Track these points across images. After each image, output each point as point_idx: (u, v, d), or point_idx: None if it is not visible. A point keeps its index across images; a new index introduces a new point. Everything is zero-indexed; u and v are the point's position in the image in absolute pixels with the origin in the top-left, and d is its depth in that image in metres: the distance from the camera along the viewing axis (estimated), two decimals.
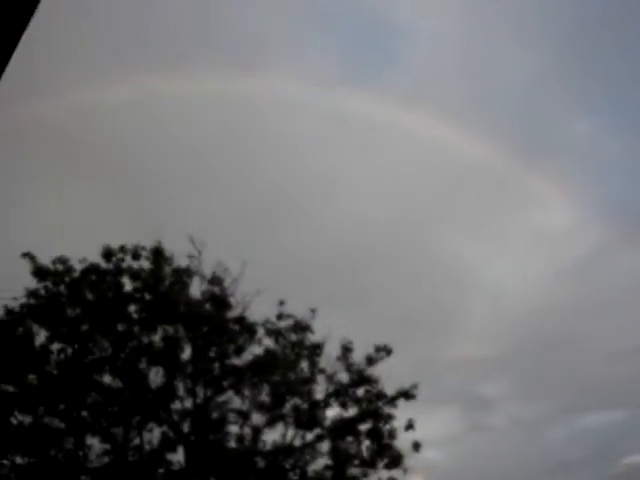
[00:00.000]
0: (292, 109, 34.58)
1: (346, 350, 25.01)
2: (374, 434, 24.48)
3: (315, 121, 36.34)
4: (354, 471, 24.77)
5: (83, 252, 23.41)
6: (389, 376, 25.14)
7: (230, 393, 23.72)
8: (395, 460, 24.66)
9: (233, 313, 23.44)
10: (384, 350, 25.23)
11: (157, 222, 23.18)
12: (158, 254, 23.04)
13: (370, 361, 25.07)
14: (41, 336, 23.10)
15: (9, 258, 22.91)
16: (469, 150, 36.01)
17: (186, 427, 23.42)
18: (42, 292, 22.96)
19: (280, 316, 24.78)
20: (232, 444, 23.76)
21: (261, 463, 23.80)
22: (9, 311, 23.00)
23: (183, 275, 23.18)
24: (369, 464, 24.61)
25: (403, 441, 24.95)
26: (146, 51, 34.51)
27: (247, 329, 23.25)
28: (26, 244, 23.20)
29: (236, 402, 23.85)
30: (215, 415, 23.49)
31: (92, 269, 23.02)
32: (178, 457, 23.37)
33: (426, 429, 26.70)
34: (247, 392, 23.77)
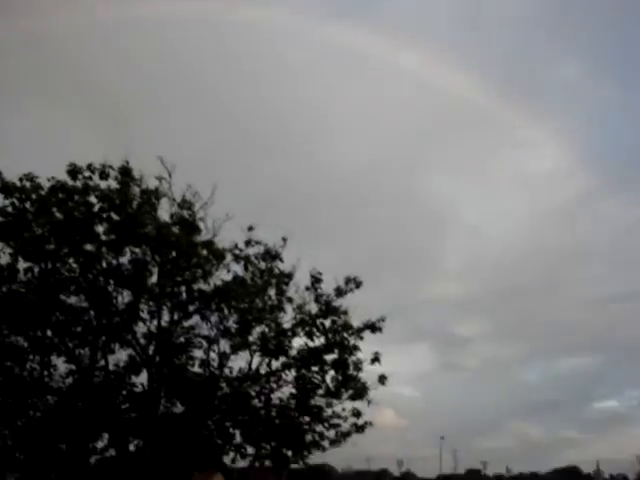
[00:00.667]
0: (286, 39, 33.98)
1: (315, 280, 25.08)
2: (339, 365, 24.76)
3: (308, 52, 35.77)
4: (318, 400, 24.94)
5: (52, 171, 22.91)
6: (359, 309, 25.12)
7: (196, 318, 23.82)
8: (359, 392, 25.08)
9: (202, 238, 23.15)
10: (354, 282, 25.34)
11: (127, 142, 22.71)
12: (126, 174, 22.76)
13: (339, 292, 25.29)
14: (6, 254, 22.67)
15: None
16: (457, 90, 35.59)
17: (150, 350, 23.31)
18: (8, 209, 22.52)
19: (249, 242, 24.65)
20: (197, 369, 23.73)
21: (226, 389, 23.89)
22: None
23: (152, 197, 23.06)
24: (333, 394, 25.00)
25: (369, 374, 25.13)
26: None
27: (215, 254, 23.09)
28: None
29: (202, 327, 23.75)
30: (180, 339, 23.45)
31: (60, 187, 22.91)
32: (141, 380, 23.30)
33: (398, 365, 27.03)
34: (213, 318, 23.73)
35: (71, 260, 23.04)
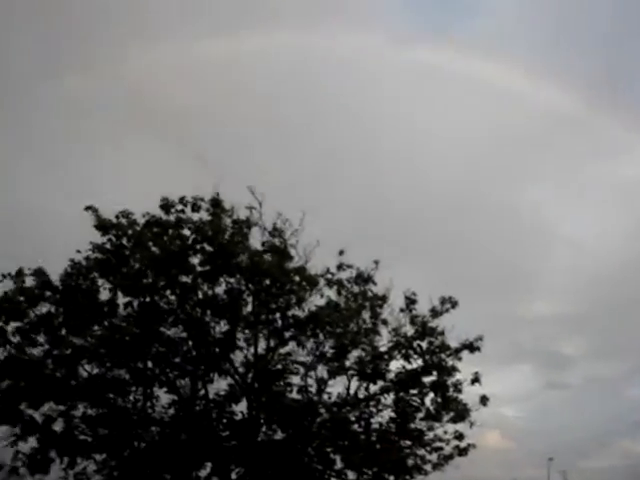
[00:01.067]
0: (368, 62, 34.08)
1: (410, 301, 24.81)
2: (438, 387, 24.38)
3: (392, 74, 35.76)
4: (419, 424, 24.61)
5: (145, 205, 23.49)
6: (456, 329, 24.78)
7: (292, 344, 23.83)
8: (461, 414, 24.63)
9: (294, 264, 23.29)
10: (449, 302, 24.95)
11: (217, 175, 23.14)
12: (217, 205, 23.10)
13: (435, 313, 24.84)
14: (106, 289, 23.30)
15: (73, 210, 23.19)
16: (546, 99, 34.91)
17: (249, 378, 23.49)
18: (106, 245, 23.16)
19: (341, 266, 24.62)
20: (295, 395, 23.76)
21: (325, 415, 23.85)
22: (74, 264, 23.32)
23: (243, 226, 23.34)
24: (434, 417, 24.61)
25: (470, 395, 24.71)
26: (211, 9, 34.45)
27: (308, 280, 23.19)
28: (91, 196, 23.47)
29: (298, 354, 23.81)
30: (277, 366, 23.55)
31: (154, 222, 23.25)
32: (241, 408, 23.47)
33: (500, 386, 26.42)
34: (309, 343, 23.73)
35: (168, 292, 23.53)
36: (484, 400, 24.92)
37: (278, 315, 24.12)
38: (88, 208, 23.35)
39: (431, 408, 24.89)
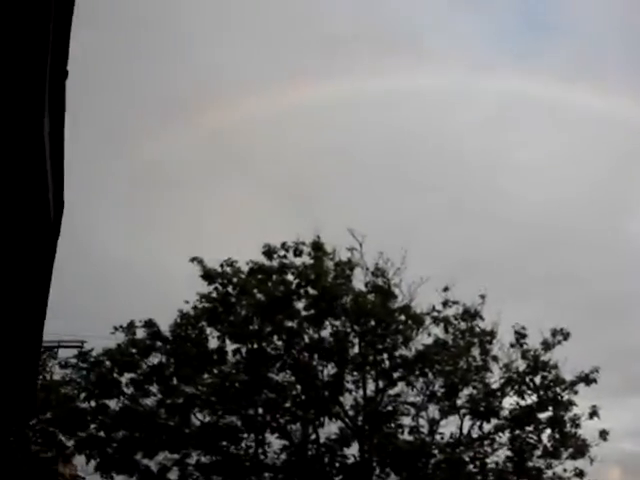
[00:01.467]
0: (454, 96, 33.84)
1: (520, 336, 24.18)
2: (555, 422, 23.54)
3: (480, 106, 35.40)
4: (537, 462, 23.84)
5: (247, 252, 23.80)
6: (570, 362, 23.98)
7: (401, 385, 23.50)
8: (580, 449, 23.69)
9: (399, 303, 23.06)
10: (561, 334, 24.10)
11: (316, 217, 23.25)
12: (319, 249, 23.14)
13: (547, 346, 24.10)
14: (214, 337, 23.64)
15: (179, 262, 23.67)
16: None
17: (359, 421, 23.26)
18: (212, 294, 23.50)
19: (446, 303, 24.21)
20: (407, 437, 23.37)
21: (439, 456, 23.37)
22: (183, 315, 23.72)
23: (345, 268, 23.16)
24: (552, 454, 23.78)
25: (588, 430, 23.74)
26: (302, 54, 34.93)
27: (414, 319, 22.89)
28: (196, 247, 23.92)
29: (408, 394, 23.48)
30: (387, 408, 23.24)
31: (257, 268, 23.40)
32: (353, 451, 23.25)
33: (618, 419, 25.34)
34: (418, 383, 23.37)
35: (275, 338, 23.64)
36: (604, 435, 24.01)
37: (385, 356, 23.90)
38: (193, 259, 23.75)
39: (548, 445, 24.13)
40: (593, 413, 23.97)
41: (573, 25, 41.23)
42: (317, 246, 23.65)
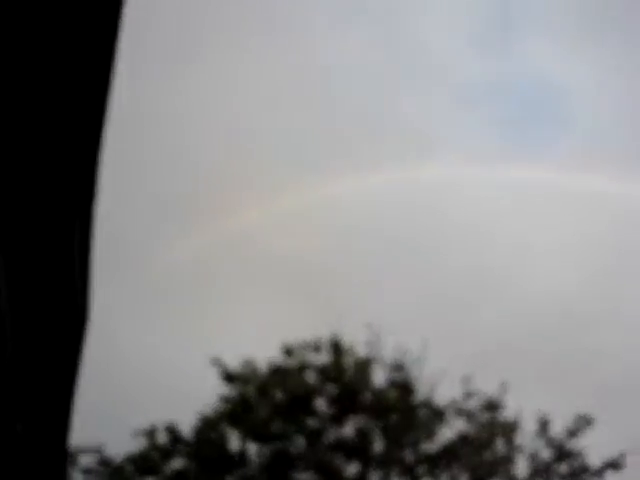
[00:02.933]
0: (464, 190, 34.32)
1: (544, 424, 23.81)
2: None
3: (495, 198, 35.80)
4: None
5: (269, 350, 23.86)
6: (594, 448, 23.61)
7: None
8: None
9: (419, 397, 22.93)
10: (584, 420, 23.84)
11: (334, 313, 23.34)
12: (337, 346, 23.15)
13: (571, 433, 23.72)
14: (235, 439, 23.46)
15: (200, 363, 23.77)
16: None
17: None
18: (232, 395, 23.45)
19: (468, 395, 24.02)
20: None
21: None
22: (204, 417, 23.63)
23: (365, 364, 23.11)
24: None
25: None
26: (318, 153, 35.63)
27: (435, 413, 22.68)
28: (214, 347, 24.01)
29: None
30: None
31: (277, 368, 23.41)
32: None
33: None
34: (444, 478, 22.96)
35: (297, 437, 23.45)
36: None
37: (409, 451, 23.63)
38: (212, 360, 23.78)
39: None
40: None
41: (574, 116, 42.01)
42: (336, 343, 23.73)
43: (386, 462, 23.36)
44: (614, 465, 23.85)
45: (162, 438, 24.15)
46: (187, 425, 24.22)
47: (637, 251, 36.54)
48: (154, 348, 29.71)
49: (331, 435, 23.46)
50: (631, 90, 38.24)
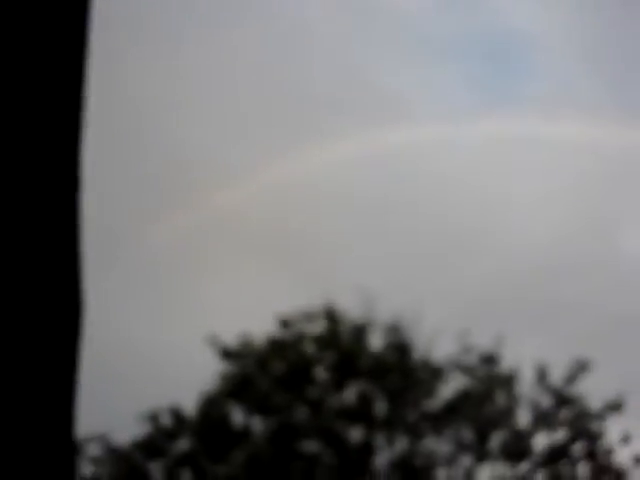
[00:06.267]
0: (442, 148, 34.26)
1: (542, 373, 23.92)
2: (588, 455, 23.16)
3: (467, 153, 35.79)
4: None
5: (264, 324, 23.83)
6: (594, 391, 23.81)
7: (430, 438, 23.15)
8: (618, 478, 23.16)
9: (417, 357, 23.01)
10: (582, 365, 23.99)
11: (328, 281, 23.34)
12: (333, 314, 23.15)
13: (569, 379, 23.91)
14: (239, 414, 23.50)
15: (195, 342, 23.73)
16: (625, 144, 34.27)
17: None
18: (231, 372, 23.46)
19: (466, 350, 24.09)
20: None
21: None
22: (205, 396, 23.63)
23: (360, 329, 23.14)
24: None
25: (622, 457, 23.45)
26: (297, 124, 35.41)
27: (434, 371, 22.77)
28: (209, 325, 23.98)
29: (438, 446, 23.20)
30: (420, 463, 22.97)
31: (274, 342, 23.42)
32: None
33: None
34: (447, 434, 23.12)
35: (299, 408, 23.52)
36: (639, 461, 23.74)
37: (411, 411, 23.76)
38: (209, 338, 23.76)
39: (586, 478, 23.82)
40: (625, 439, 23.75)
41: (543, 68, 41.95)
42: (330, 311, 23.72)
43: (389, 424, 23.50)
44: (614, 407, 24.06)
45: (166, 421, 24.18)
46: (190, 405, 24.26)
47: (609, 198, 36.70)
48: (149, 331, 29.67)
49: (333, 402, 23.57)
50: (598, 40, 38.20)
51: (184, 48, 32.99)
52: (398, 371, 23.12)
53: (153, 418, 23.95)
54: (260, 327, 24.21)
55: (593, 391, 24.16)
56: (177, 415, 23.95)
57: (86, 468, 24.77)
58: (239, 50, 33.71)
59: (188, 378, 25.45)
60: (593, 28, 38.70)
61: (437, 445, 23.89)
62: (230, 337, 24.12)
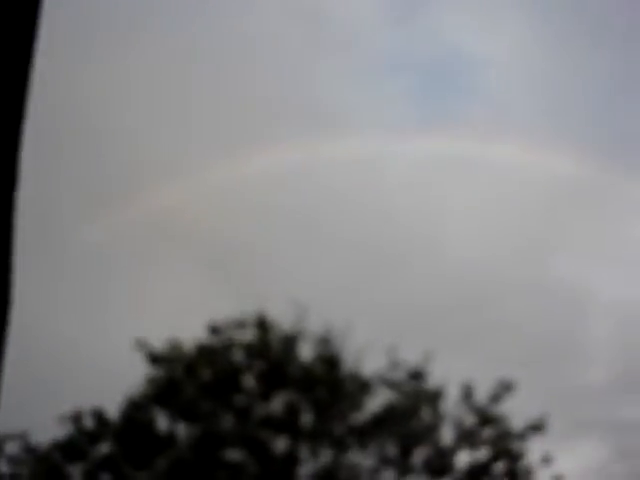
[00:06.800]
0: (378, 162, 34.59)
1: (468, 391, 24.30)
2: (509, 474, 23.56)
3: (404, 170, 36.22)
4: None
5: (193, 330, 23.67)
6: (517, 411, 24.26)
7: (355, 451, 23.28)
8: None
9: (346, 370, 23.13)
10: (507, 385, 24.40)
11: (259, 289, 23.34)
12: (263, 323, 23.14)
13: (494, 399, 24.30)
14: (163, 420, 23.29)
15: (123, 345, 23.47)
16: (562, 170, 35.13)
17: None
18: (158, 376, 23.24)
19: (393, 365, 24.33)
20: None
21: None
22: (130, 400, 23.37)
23: (291, 339, 23.16)
24: None
25: (542, 477, 23.91)
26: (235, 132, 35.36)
27: (362, 385, 22.92)
28: (137, 329, 23.74)
29: (362, 459, 23.33)
30: (343, 475, 23.06)
31: (203, 348, 23.29)
32: None
33: (568, 463, 25.49)
34: (372, 448, 23.27)
35: (225, 415, 23.41)
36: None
37: (337, 423, 23.84)
38: (137, 342, 23.52)
39: None
40: (546, 460, 24.20)
41: (485, 88, 42.74)
42: (262, 320, 23.70)
43: (315, 435, 23.53)
44: (536, 427, 24.50)
45: (88, 423, 23.83)
46: (114, 409, 23.94)
47: (541, 222, 37.53)
48: (77, 331, 29.24)
49: (260, 411, 23.51)
50: (541, 62, 39.10)
51: (127, 50, 32.78)
52: (326, 383, 23.19)
53: (75, 419, 23.59)
54: (190, 332, 24.09)
55: (516, 411, 24.64)
56: (100, 418, 23.63)
57: (4, 467, 24.28)
58: (179, 56, 33.62)
59: (114, 381, 25.14)
60: (537, 53, 39.57)
61: (361, 458, 24.04)
62: (159, 341, 23.93)
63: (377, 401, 24.21)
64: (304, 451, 23.71)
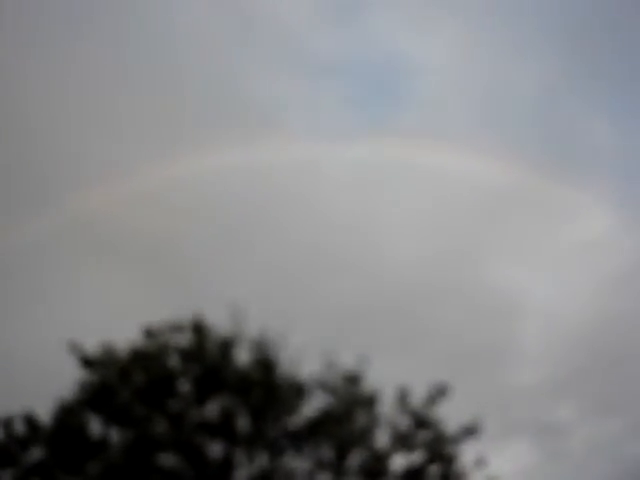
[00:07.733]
0: (313, 166, 34.75)
1: (403, 395, 24.49)
2: (443, 477, 23.80)
3: (339, 174, 36.45)
4: None
5: (127, 333, 23.43)
6: (451, 414, 24.56)
7: (291, 455, 23.26)
8: None
9: (282, 374, 23.10)
10: (441, 389, 24.67)
11: (195, 294, 23.23)
12: (200, 327, 22.99)
13: (429, 402, 24.52)
14: (96, 424, 22.94)
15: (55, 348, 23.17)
16: (495, 175, 35.72)
17: None
18: (91, 380, 22.91)
19: (330, 369, 24.41)
20: None
21: None
22: (62, 404, 22.99)
23: (227, 343, 23.07)
24: None
25: (479, 477, 24.22)
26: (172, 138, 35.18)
27: (298, 388, 22.91)
28: (70, 332, 23.45)
29: (298, 463, 23.32)
30: (280, 478, 23.02)
31: (137, 352, 23.04)
32: None
33: (500, 464, 25.89)
34: (308, 451, 23.27)
35: (159, 420, 23.13)
36: None
37: (273, 427, 23.76)
38: (70, 345, 23.15)
39: None
40: (479, 462, 24.48)
41: (420, 94, 43.22)
42: (198, 323, 23.52)
43: (251, 440, 23.42)
44: (470, 431, 24.77)
45: (19, 427, 23.37)
46: (46, 413, 23.53)
47: (477, 229, 38.01)
48: (7, 333, 28.70)
49: (195, 416, 23.30)
50: (476, 68, 39.68)
51: (57, 52, 32.30)
52: (262, 387, 23.10)
53: (5, 425, 23.13)
54: (124, 336, 23.79)
55: (450, 415, 24.89)
56: (31, 422, 23.18)
57: None
58: (109, 58, 33.25)
59: (46, 385, 24.72)
60: (473, 59, 40.19)
61: (297, 462, 23.99)
62: (92, 345, 23.58)
63: (313, 405, 24.26)
64: (240, 455, 23.58)
